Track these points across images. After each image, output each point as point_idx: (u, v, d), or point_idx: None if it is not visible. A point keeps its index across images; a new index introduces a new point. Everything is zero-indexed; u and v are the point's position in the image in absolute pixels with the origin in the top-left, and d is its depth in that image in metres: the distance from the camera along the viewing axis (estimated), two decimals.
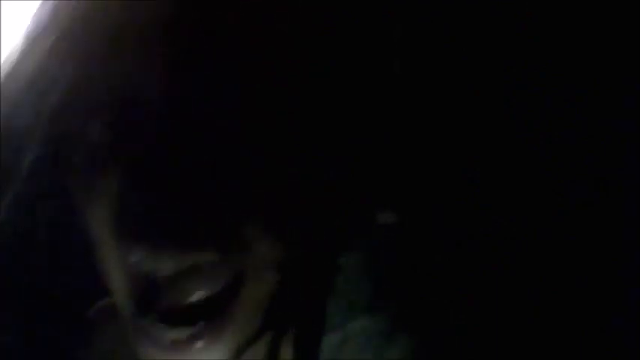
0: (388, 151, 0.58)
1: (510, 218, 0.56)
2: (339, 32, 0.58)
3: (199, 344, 0.55)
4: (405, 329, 0.56)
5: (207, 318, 0.55)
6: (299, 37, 0.57)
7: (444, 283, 0.56)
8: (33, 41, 0.66)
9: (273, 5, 0.57)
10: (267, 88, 0.56)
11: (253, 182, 0.55)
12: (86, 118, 0.57)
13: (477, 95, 0.58)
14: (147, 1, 0.58)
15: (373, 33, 0.59)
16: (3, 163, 0.64)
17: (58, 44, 0.63)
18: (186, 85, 0.56)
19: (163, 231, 0.54)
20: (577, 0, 0.58)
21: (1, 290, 0.67)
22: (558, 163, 0.57)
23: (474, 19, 0.59)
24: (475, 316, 0.55)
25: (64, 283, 0.67)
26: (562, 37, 0.58)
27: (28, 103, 0.63)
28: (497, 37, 0.59)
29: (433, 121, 0.59)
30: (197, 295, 0.55)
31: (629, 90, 0.56)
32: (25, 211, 0.65)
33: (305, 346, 0.57)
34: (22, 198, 0.66)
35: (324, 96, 0.57)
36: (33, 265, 0.68)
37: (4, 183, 0.65)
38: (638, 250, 0.54)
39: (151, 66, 0.56)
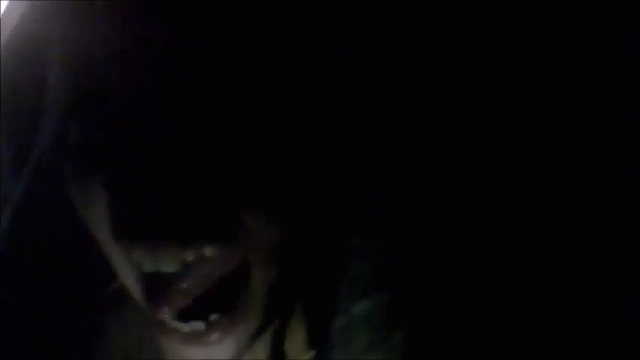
0: (387, 150, 0.56)
1: (510, 217, 0.56)
2: (338, 32, 0.56)
3: (215, 335, 0.55)
4: (408, 313, 0.56)
5: (220, 309, 0.54)
6: (297, 36, 0.55)
7: (448, 267, 0.56)
8: None
9: (274, 4, 0.55)
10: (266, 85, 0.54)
11: (251, 171, 0.53)
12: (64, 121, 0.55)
13: (477, 95, 0.57)
14: None
15: (372, 33, 0.57)
16: None
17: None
18: (180, 82, 0.53)
19: (160, 228, 0.53)
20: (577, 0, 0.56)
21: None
22: (558, 163, 0.56)
23: (473, 18, 0.58)
24: (477, 307, 0.55)
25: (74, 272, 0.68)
26: (561, 37, 0.57)
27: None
28: (497, 37, 0.58)
29: (432, 120, 0.58)
30: (208, 287, 0.54)
31: (630, 90, 0.54)
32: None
33: (317, 330, 0.57)
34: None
35: (323, 94, 0.56)
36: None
37: None
38: (638, 250, 0.53)
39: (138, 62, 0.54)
